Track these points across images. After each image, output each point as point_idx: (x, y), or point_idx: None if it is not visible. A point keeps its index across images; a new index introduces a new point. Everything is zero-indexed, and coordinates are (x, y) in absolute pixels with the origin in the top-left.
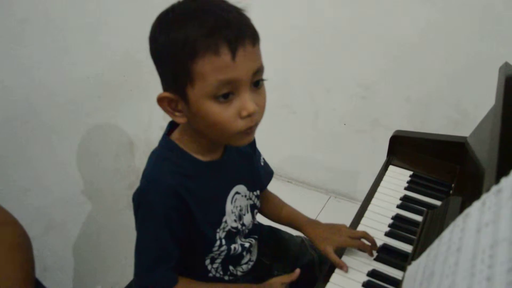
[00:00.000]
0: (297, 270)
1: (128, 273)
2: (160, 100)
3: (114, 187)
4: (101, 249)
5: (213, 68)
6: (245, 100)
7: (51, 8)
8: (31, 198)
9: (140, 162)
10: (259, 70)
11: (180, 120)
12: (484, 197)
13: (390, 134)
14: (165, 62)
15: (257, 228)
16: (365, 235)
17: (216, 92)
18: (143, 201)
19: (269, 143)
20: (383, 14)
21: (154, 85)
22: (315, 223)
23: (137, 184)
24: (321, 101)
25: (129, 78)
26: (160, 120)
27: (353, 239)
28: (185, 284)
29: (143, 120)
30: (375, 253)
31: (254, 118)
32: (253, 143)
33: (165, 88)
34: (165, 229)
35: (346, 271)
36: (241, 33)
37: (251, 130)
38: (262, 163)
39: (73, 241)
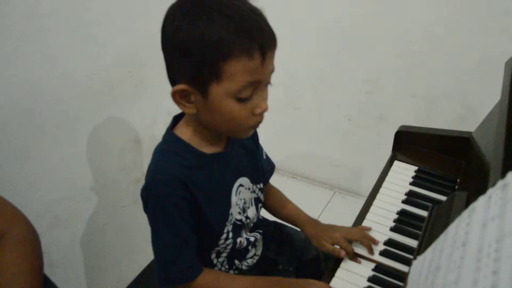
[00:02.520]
0: None
1: (134, 269)
2: (174, 93)
3: (119, 183)
4: (106, 245)
5: (244, 70)
6: (262, 99)
7: (55, 5)
8: (37, 194)
9: (146, 158)
10: (273, 71)
11: (189, 111)
12: (490, 191)
13: (395, 129)
14: (189, 55)
15: (262, 223)
16: (361, 240)
17: (240, 91)
18: (152, 195)
19: (274, 138)
20: (388, 9)
21: (159, 81)
22: (314, 222)
23: (143, 180)
24: (326, 96)
25: (134, 74)
26: (165, 116)
27: (347, 242)
28: (210, 273)
29: (148, 116)
30: (381, 248)
31: (263, 115)
32: (256, 139)
33: (177, 78)
34: (178, 218)
35: (344, 256)
36: (270, 37)
37: (258, 125)
38: (264, 157)
39: (79, 236)
